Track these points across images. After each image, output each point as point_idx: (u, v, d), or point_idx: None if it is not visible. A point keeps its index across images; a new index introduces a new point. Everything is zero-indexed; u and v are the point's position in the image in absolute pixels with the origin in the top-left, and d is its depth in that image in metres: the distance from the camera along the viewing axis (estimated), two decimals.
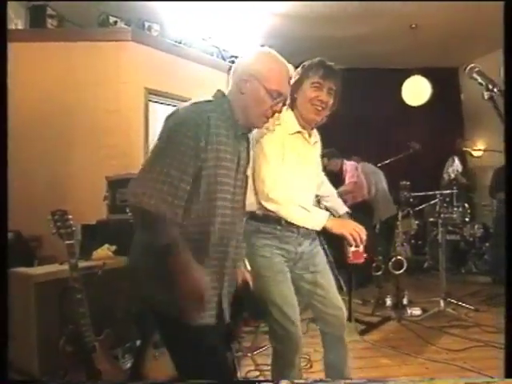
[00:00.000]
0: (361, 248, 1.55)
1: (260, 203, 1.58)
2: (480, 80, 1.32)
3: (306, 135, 1.70)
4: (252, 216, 1.61)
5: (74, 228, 1.85)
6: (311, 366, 2.48)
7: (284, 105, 1.39)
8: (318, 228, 1.56)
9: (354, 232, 1.52)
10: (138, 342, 2.09)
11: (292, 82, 1.62)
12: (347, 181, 4.42)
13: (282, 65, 1.35)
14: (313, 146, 1.76)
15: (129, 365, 2.17)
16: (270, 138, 1.60)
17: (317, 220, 1.55)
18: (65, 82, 3.37)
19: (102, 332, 1.93)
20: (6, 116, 1.29)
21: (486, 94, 1.29)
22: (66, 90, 3.36)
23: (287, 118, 1.65)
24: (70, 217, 1.86)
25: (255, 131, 1.61)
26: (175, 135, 1.20)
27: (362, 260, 1.58)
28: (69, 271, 1.84)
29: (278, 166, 1.57)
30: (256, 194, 1.60)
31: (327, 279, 1.74)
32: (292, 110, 1.67)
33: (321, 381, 2.10)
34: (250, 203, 1.59)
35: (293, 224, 1.60)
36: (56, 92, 3.35)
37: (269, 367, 2.30)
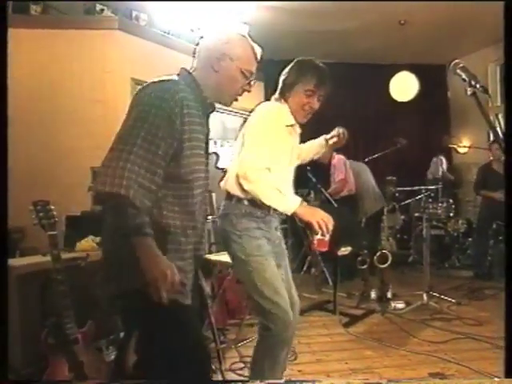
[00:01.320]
0: (326, 237, 1.59)
1: (238, 182, 1.60)
2: (464, 76, 1.33)
3: (297, 128, 1.80)
4: (239, 199, 1.66)
5: (56, 219, 1.83)
6: (296, 358, 2.51)
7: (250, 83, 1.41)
8: (289, 212, 1.60)
9: (322, 221, 1.56)
10: (122, 334, 2.09)
11: (285, 80, 1.72)
12: (336, 178, 4.44)
13: (252, 45, 1.40)
14: (298, 136, 1.84)
15: (113, 357, 2.16)
16: (267, 125, 1.65)
17: (289, 204, 1.59)
18: (49, 71, 3.31)
19: (85, 324, 1.92)
20: (6, 114, 1.27)
21: (469, 90, 1.30)
22: (50, 78, 3.29)
23: (284, 111, 1.72)
24: (53, 207, 1.83)
25: (252, 115, 1.69)
26: (147, 116, 1.15)
27: (325, 249, 1.63)
28: (51, 262, 1.81)
29: (266, 150, 1.60)
30: (236, 168, 1.63)
31: (288, 264, 1.83)
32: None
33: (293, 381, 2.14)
34: (232, 185, 1.65)
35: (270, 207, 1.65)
36: (40, 80, 3.28)
37: None
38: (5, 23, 1.35)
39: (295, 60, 1.75)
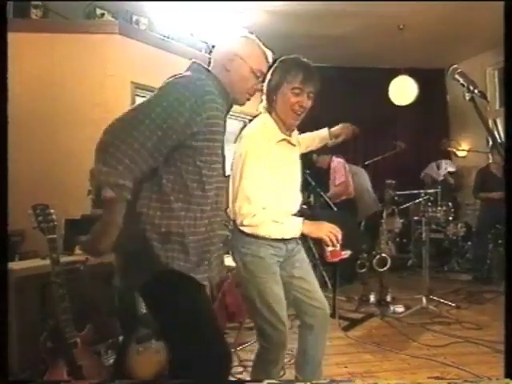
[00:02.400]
0: (338, 247, 1.62)
1: (236, 225, 1.61)
2: (461, 81, 1.35)
3: (290, 139, 1.69)
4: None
5: (55, 222, 1.83)
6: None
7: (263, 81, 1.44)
8: (297, 236, 1.64)
9: (330, 233, 1.58)
10: (121, 338, 2.09)
11: (270, 82, 1.65)
12: (337, 181, 4.44)
13: (262, 47, 1.44)
14: (296, 147, 1.77)
15: (112, 360, 2.16)
16: (253, 156, 1.58)
17: (293, 230, 1.62)
18: (49, 74, 3.31)
19: (84, 328, 1.91)
20: (6, 114, 1.27)
21: (467, 95, 1.32)
22: (50, 82, 3.30)
23: (268, 125, 1.64)
24: (52, 211, 1.83)
25: (237, 147, 1.64)
26: (169, 107, 1.17)
27: (339, 258, 1.65)
28: (50, 266, 1.81)
29: (258, 183, 1.57)
30: (233, 212, 1.62)
31: (311, 274, 1.79)
32: (270, 113, 1.66)
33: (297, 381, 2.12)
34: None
35: None
36: (40, 84, 3.29)
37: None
38: (5, 24, 1.35)
39: (278, 60, 1.64)
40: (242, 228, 1.59)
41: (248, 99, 1.44)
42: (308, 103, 1.62)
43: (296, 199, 1.77)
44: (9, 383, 1.43)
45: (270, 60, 1.46)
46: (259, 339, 1.66)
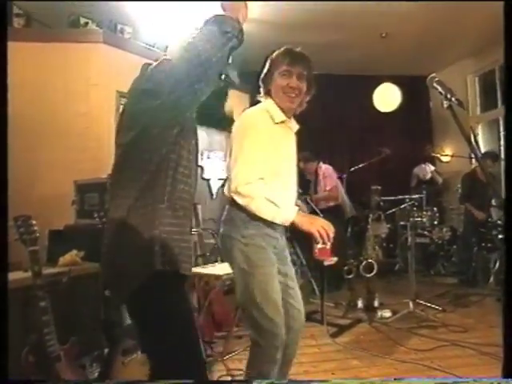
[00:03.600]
0: (328, 245, 1.55)
1: (230, 195, 1.57)
2: (440, 89, 1.37)
3: (290, 124, 1.71)
4: (241, 206, 1.57)
5: (37, 234, 1.80)
6: None
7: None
8: (287, 223, 1.55)
9: (322, 229, 1.51)
10: (106, 350, 2.05)
11: (263, 75, 1.70)
12: (328, 186, 4.48)
13: None
14: (294, 135, 1.77)
15: (97, 374, 2.12)
16: (255, 129, 1.58)
17: (285, 215, 1.54)
18: (33, 84, 3.28)
19: (67, 340, 1.88)
20: (6, 119, 1.26)
21: (445, 103, 1.34)
22: (33, 91, 3.27)
23: (270, 107, 1.65)
24: (34, 222, 1.80)
25: (237, 122, 1.63)
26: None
27: (327, 257, 1.59)
28: (32, 278, 1.78)
29: (256, 159, 1.54)
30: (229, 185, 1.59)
31: (293, 272, 1.78)
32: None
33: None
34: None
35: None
36: (23, 93, 3.25)
37: (241, 372, 2.32)
38: (4, 25, 1.33)
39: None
40: (235, 197, 1.53)
41: None
42: (299, 84, 1.63)
43: (293, 186, 1.73)
44: (9, 383, 1.40)
45: None
46: (255, 337, 1.58)
